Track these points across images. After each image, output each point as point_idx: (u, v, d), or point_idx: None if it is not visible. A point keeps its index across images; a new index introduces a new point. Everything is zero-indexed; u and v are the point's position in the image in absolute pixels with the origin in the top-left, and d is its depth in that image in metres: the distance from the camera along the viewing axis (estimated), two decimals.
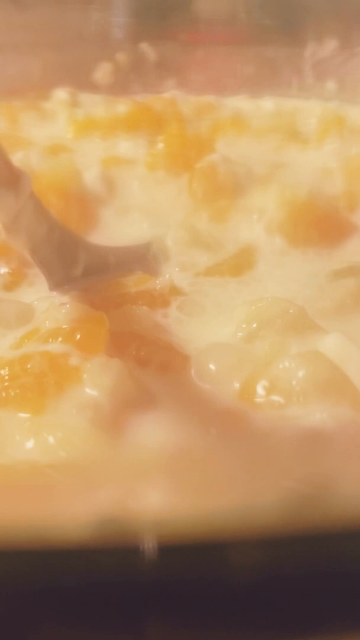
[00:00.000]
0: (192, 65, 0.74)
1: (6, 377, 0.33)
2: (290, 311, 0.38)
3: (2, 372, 0.34)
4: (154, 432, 0.32)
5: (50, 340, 0.35)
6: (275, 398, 0.34)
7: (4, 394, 0.33)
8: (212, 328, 0.39)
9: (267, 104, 0.71)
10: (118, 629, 0.19)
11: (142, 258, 0.46)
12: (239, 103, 0.72)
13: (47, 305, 0.39)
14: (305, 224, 0.48)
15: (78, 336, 0.35)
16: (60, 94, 0.71)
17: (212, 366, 0.36)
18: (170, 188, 0.55)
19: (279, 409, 0.33)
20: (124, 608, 0.18)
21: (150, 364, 0.36)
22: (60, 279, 0.42)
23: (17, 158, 0.51)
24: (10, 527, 0.19)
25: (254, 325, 0.38)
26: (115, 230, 0.50)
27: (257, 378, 0.34)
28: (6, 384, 0.33)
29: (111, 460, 0.31)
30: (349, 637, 0.19)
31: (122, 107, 0.69)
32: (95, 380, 0.33)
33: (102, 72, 0.73)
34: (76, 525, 0.20)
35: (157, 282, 0.42)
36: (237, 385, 0.35)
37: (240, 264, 0.45)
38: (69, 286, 0.41)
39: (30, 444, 0.31)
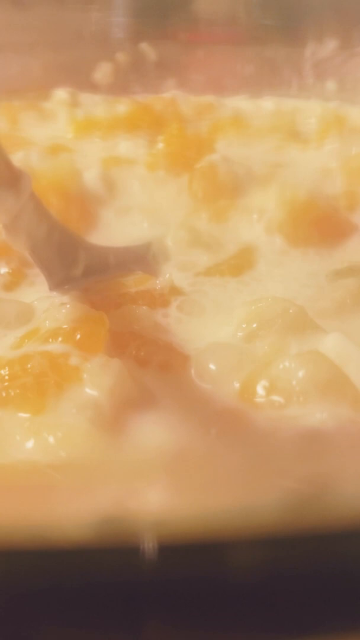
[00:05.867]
0: (192, 65, 0.74)
1: (6, 377, 0.33)
2: (290, 311, 0.38)
3: (2, 372, 0.34)
4: (154, 432, 0.32)
5: (50, 340, 0.35)
6: (275, 398, 0.34)
7: (4, 394, 0.33)
8: (212, 328, 0.39)
9: (267, 104, 0.71)
10: (118, 629, 0.19)
11: (142, 258, 0.46)
12: (239, 103, 0.72)
13: (47, 305, 0.39)
14: (305, 224, 0.48)
15: (78, 336, 0.35)
16: (60, 94, 0.71)
17: (212, 366, 0.36)
18: (170, 188, 0.55)
19: (279, 408, 0.33)
20: (124, 608, 0.18)
21: (150, 364, 0.36)
22: (60, 279, 0.42)
23: (17, 158, 0.51)
24: (10, 527, 0.19)
25: (254, 325, 0.38)
26: (115, 230, 0.50)
27: (257, 378, 0.34)
28: (6, 384, 0.33)
29: (111, 460, 0.31)
30: (349, 637, 0.19)
31: (122, 107, 0.69)
32: (95, 380, 0.33)
33: (102, 72, 0.73)
34: (76, 525, 0.20)
35: (157, 282, 0.42)
36: (237, 385, 0.35)
37: (240, 264, 0.45)
38: (69, 286, 0.41)
39: (30, 444, 0.31)
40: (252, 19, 0.74)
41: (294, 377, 0.34)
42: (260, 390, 0.34)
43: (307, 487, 0.26)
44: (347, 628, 0.19)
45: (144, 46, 0.73)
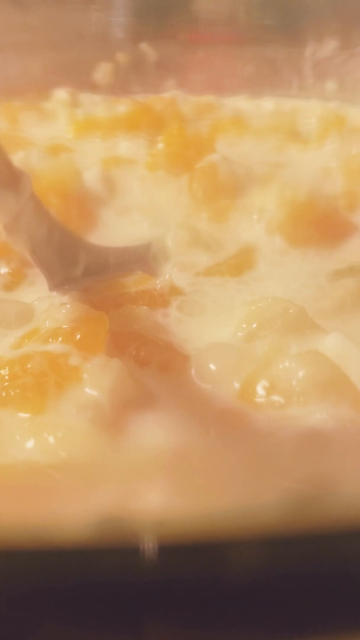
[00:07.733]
0: (192, 65, 0.74)
1: (6, 377, 0.33)
2: (290, 311, 0.38)
3: (2, 372, 0.34)
4: (154, 432, 0.32)
5: (51, 340, 0.35)
6: (276, 398, 0.34)
7: (4, 394, 0.33)
8: (212, 328, 0.39)
9: (267, 104, 0.71)
10: (118, 629, 0.19)
11: (142, 258, 0.46)
12: (239, 103, 0.72)
13: (47, 305, 0.39)
14: (305, 224, 0.48)
15: (78, 336, 0.35)
16: (60, 94, 0.71)
17: (212, 366, 0.36)
18: (170, 188, 0.55)
19: (279, 409, 0.33)
20: (124, 608, 0.18)
21: (150, 364, 0.36)
22: (61, 279, 0.42)
23: (17, 158, 0.51)
24: (10, 527, 0.19)
25: (254, 325, 0.38)
26: (115, 230, 0.50)
27: (257, 378, 0.34)
28: (6, 384, 0.33)
29: (111, 460, 0.31)
30: (349, 637, 0.19)
31: (122, 107, 0.69)
32: (95, 380, 0.33)
33: (102, 72, 0.73)
34: (76, 525, 0.20)
35: (157, 282, 0.42)
36: (237, 385, 0.35)
37: (240, 264, 0.45)
38: (69, 286, 0.41)
39: (30, 444, 0.31)
40: (252, 19, 0.74)
41: (294, 377, 0.34)
42: (260, 390, 0.34)
43: (307, 487, 0.26)
44: (347, 628, 0.19)
45: (144, 46, 0.73)
